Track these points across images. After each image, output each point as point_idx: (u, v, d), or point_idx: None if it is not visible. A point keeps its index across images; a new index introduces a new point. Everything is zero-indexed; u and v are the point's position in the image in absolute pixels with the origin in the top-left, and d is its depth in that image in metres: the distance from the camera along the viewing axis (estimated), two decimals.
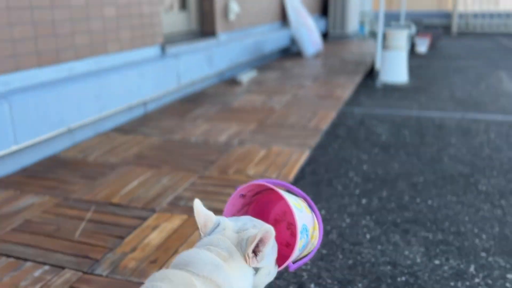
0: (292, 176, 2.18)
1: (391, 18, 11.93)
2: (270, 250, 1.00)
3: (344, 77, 4.69)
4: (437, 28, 8.37)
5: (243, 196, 1.17)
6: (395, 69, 4.55)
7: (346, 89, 4.10)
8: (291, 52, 6.72)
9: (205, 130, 2.90)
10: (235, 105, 3.54)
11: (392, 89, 4.23)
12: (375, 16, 10.99)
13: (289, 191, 1.20)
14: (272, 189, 1.11)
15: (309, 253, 1.16)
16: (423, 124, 3.07)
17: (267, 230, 0.91)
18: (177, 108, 3.47)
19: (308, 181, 2.19)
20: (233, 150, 2.53)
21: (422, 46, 7.01)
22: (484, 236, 1.69)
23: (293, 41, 6.45)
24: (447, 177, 2.21)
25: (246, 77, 4.52)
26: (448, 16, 11.39)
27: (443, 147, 2.62)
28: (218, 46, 4.29)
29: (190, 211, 1.81)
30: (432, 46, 7.69)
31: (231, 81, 4.49)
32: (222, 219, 1.00)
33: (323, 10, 8.69)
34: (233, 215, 1.16)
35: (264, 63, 5.69)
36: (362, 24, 9.76)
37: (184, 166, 2.32)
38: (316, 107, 3.46)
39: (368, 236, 1.71)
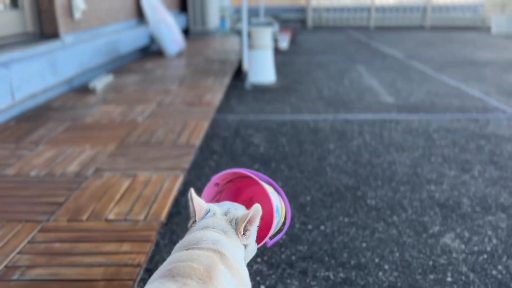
0: (165, 214, 1.80)
1: (250, 14, 12.04)
2: (255, 228, 1.11)
3: (212, 79, 4.39)
4: (295, 22, 8.58)
5: (217, 184, 1.28)
6: (262, 69, 4.40)
7: (216, 93, 3.81)
8: (151, 51, 6.20)
9: (49, 158, 2.33)
10: (88, 121, 2.99)
11: (262, 91, 4.06)
12: (235, 11, 10.93)
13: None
14: (242, 177, 1.26)
15: (281, 230, 1.29)
16: (298, 129, 2.92)
17: (256, 209, 1.05)
18: (11, 131, 2.80)
19: (185, 216, 1.82)
20: (87, 184, 2.04)
21: (284, 42, 7.07)
22: (386, 267, 1.52)
23: (152, 40, 5.95)
24: (334, 192, 2.04)
25: (100, 83, 3.95)
26: (302, 10, 11.86)
27: (323, 155, 2.48)
28: (63, 49, 3.64)
29: None
30: (292, 41, 7.84)
31: (83, 90, 3.87)
32: (211, 205, 1.12)
33: (182, 5, 8.28)
34: (209, 202, 1.25)
35: (121, 65, 5.11)
36: (222, 19, 9.60)
37: (19, 214, 1.78)
38: (186, 116, 3.09)
39: (263, 287, 1.42)
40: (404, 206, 1.91)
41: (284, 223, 1.33)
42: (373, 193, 2.03)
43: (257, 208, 1.04)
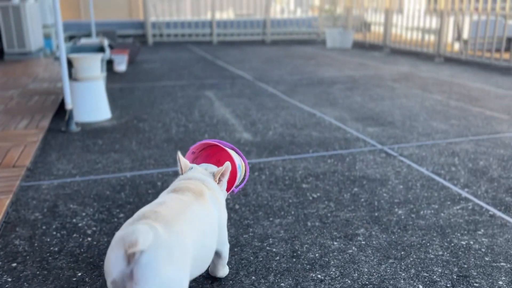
0: None
1: (81, 29, 10.81)
2: (226, 179, 1.54)
3: (26, 121, 3.44)
4: (133, 40, 7.78)
5: (193, 153, 1.68)
6: (92, 105, 3.60)
7: (29, 144, 2.91)
8: None
9: None
10: None
11: (93, 134, 3.27)
12: (67, 28, 9.64)
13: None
14: (212, 145, 1.70)
15: (242, 182, 1.71)
16: (141, 193, 2.26)
17: (227, 165, 1.50)
18: None
19: None
20: None
21: (121, 65, 6.25)
22: None
23: None
24: None
25: None
26: (141, 25, 11.07)
27: None
28: None
29: None
30: (131, 62, 7.06)
31: None
32: (193, 164, 1.53)
33: None
34: None
35: None
36: (48, 38, 8.32)
37: None
38: None
39: None
40: None
41: (244, 177, 1.72)
42: None
43: (227, 164, 1.51)
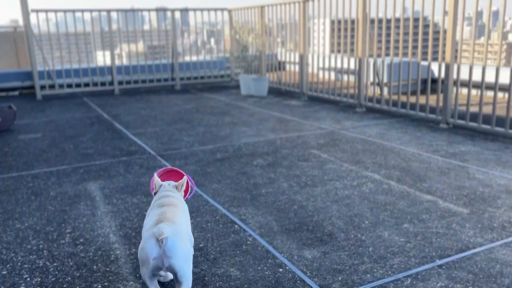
0: None
1: None
2: (183, 188, 2.32)
3: None
4: (8, 105, 6.35)
5: (161, 175, 2.47)
6: None
7: None
8: None
9: None
10: None
11: None
12: None
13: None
14: (171, 171, 2.54)
15: (191, 193, 2.45)
16: None
17: (184, 179, 2.29)
18: None
19: None
20: None
21: None
22: None
23: None
24: None
25: None
26: (29, 76, 9.58)
27: None
28: None
29: None
30: (3, 130, 5.70)
31: None
32: (162, 182, 2.28)
33: None
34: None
35: None
36: None
37: None
38: None
39: None
40: None
41: (191, 190, 2.47)
42: None
43: (185, 179, 2.30)
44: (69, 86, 9.51)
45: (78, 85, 9.51)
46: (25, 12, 8.45)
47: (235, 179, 3.74)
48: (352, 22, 6.79)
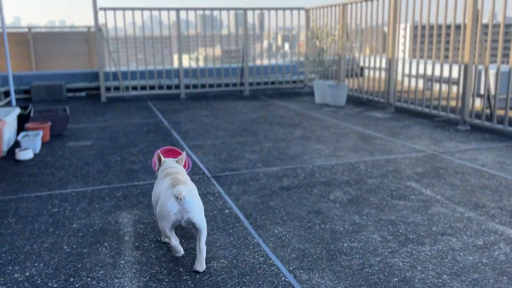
0: None
1: (17, 83, 8.98)
2: (183, 162, 2.62)
3: None
4: (64, 109, 5.88)
5: (162, 153, 2.77)
6: None
7: None
8: None
9: None
10: None
11: None
12: None
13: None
14: (170, 150, 2.96)
15: (188, 168, 2.84)
16: None
17: (183, 154, 2.59)
18: None
19: None
20: None
21: (27, 153, 4.39)
22: None
23: None
24: None
25: None
26: (96, 77, 9.31)
27: None
28: None
29: None
30: (56, 134, 5.19)
31: None
32: (164, 158, 2.55)
33: None
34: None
35: None
36: None
37: None
38: None
39: None
40: None
41: (188, 166, 2.88)
42: None
43: (184, 154, 2.61)
44: (135, 88, 9.08)
45: (143, 88, 9.06)
46: (94, 11, 8.11)
47: (305, 221, 2.81)
48: (448, 27, 5.63)
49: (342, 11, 8.04)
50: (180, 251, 2.23)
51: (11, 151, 4.61)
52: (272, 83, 9.66)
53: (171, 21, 9.11)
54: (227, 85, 9.39)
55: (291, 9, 9.30)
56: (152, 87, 9.14)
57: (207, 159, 4.28)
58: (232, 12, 9.04)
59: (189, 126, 5.87)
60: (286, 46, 12.40)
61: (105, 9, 8.20)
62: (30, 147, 4.50)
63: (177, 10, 8.54)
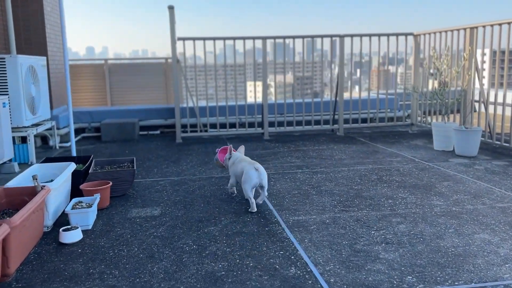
0: None
1: (96, 118, 8.22)
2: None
3: None
4: (129, 162, 4.77)
5: (224, 149, 4.26)
6: None
7: None
8: None
9: None
10: None
11: None
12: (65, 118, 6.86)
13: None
14: (223, 148, 4.29)
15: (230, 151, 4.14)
16: None
17: (231, 146, 4.16)
18: None
19: None
20: None
21: (74, 235, 3.24)
22: None
23: None
24: None
25: None
26: (172, 113, 8.38)
27: None
28: None
29: None
30: (112, 201, 4.06)
31: None
32: (233, 152, 4.12)
33: None
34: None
35: None
36: (23, 145, 5.76)
37: None
38: None
39: None
40: None
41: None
42: None
43: (230, 146, 4.13)
44: (213, 126, 8.02)
45: (223, 126, 7.96)
46: (172, 41, 7.20)
47: None
48: None
49: (469, 35, 6.42)
50: (255, 208, 3.70)
51: (60, 221, 3.55)
52: (366, 120, 8.15)
53: (246, 48, 7.98)
54: (317, 122, 8.04)
55: (397, 35, 7.81)
56: (232, 125, 8.02)
57: (319, 254, 2.89)
58: (327, 39, 7.73)
59: (281, 186, 4.54)
60: (358, 72, 10.92)
61: (183, 39, 7.25)
62: (81, 222, 3.39)
63: (263, 39, 7.39)
